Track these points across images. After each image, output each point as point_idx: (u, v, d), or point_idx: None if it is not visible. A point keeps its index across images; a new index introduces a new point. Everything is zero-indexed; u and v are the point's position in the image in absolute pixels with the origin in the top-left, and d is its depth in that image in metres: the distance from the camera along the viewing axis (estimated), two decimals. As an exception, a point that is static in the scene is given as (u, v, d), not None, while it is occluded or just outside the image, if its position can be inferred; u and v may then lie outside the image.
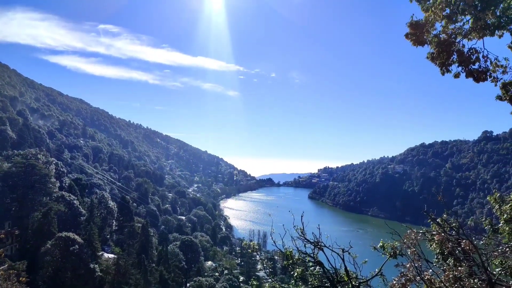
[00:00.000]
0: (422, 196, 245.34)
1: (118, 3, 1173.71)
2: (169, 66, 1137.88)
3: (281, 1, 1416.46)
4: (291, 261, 11.74)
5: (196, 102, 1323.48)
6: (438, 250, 10.94)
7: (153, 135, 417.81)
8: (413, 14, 10.09)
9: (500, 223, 10.94)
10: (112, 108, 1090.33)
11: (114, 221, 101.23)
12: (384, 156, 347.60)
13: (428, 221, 11.44)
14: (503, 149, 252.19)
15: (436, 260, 11.02)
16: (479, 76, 9.98)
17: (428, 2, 9.48)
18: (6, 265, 49.02)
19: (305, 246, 11.58)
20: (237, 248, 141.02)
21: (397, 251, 10.64)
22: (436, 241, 10.80)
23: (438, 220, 11.15)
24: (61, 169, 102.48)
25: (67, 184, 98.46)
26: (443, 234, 10.67)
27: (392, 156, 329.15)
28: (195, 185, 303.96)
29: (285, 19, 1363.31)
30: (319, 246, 11.37)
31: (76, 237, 63.89)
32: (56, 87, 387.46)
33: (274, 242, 12.21)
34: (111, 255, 77.17)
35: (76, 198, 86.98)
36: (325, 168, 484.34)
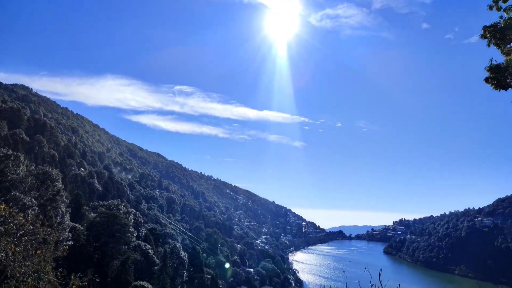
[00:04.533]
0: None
1: (192, 66, 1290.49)
2: (237, 120, 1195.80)
3: (345, 52, 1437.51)
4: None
5: (263, 153, 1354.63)
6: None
7: (222, 186, 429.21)
8: (492, 58, 9.61)
9: None
10: (185, 161, 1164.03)
11: (185, 271, 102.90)
12: (469, 208, 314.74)
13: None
14: None
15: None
16: None
17: (508, 46, 8.99)
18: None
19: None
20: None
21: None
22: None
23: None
24: (139, 219, 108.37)
25: (143, 233, 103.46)
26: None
27: (479, 208, 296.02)
28: (263, 237, 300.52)
29: (349, 68, 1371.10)
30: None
31: (150, 286, 65.71)
32: (137, 142, 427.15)
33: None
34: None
35: (151, 248, 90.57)
36: (401, 220, 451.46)
